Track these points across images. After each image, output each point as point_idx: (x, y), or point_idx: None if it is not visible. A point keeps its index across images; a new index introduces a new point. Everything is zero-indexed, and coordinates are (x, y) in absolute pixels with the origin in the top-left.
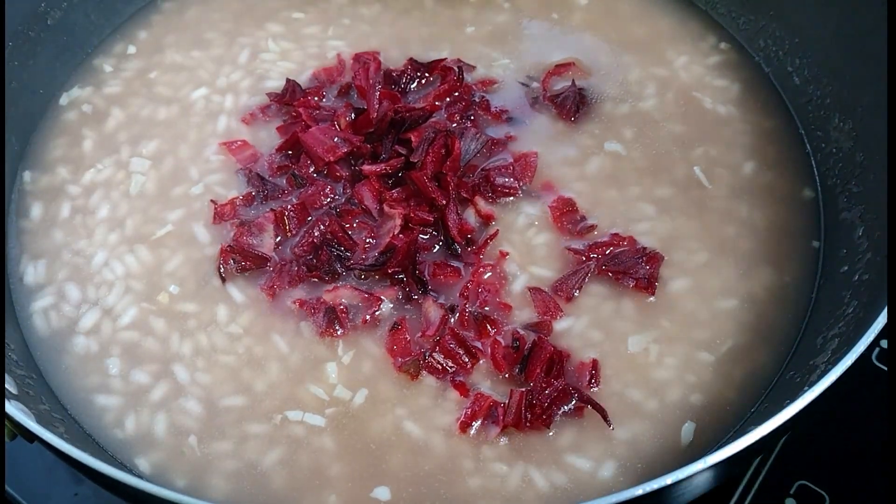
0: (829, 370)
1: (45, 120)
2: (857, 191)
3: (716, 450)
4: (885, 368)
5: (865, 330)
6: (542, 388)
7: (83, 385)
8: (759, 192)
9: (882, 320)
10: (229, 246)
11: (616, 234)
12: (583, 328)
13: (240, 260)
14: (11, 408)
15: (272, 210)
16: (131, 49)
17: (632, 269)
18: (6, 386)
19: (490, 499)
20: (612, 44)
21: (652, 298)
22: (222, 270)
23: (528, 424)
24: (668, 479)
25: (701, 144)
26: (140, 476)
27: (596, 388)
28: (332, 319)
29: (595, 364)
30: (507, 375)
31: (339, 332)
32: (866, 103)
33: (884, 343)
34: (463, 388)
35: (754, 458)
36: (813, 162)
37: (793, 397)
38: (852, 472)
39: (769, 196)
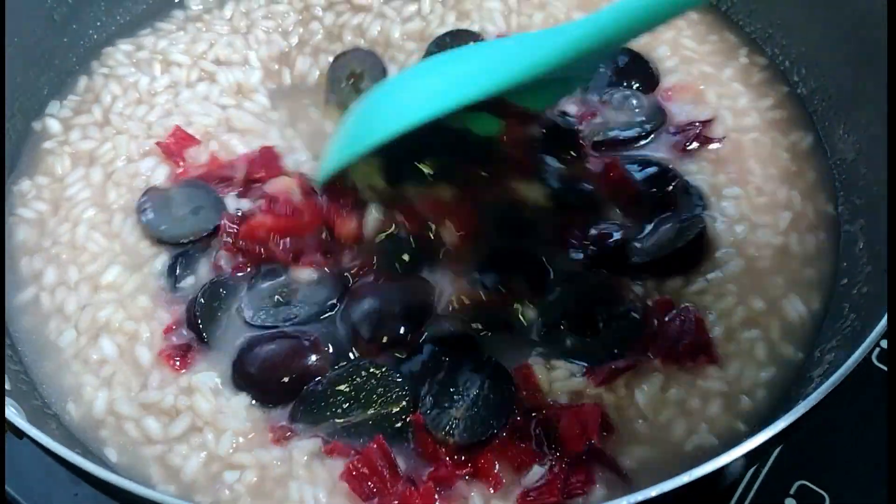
0: (823, 383)
1: (41, 118)
2: (860, 203)
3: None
4: (885, 368)
5: (861, 342)
6: None
7: (73, 379)
8: (773, 201)
9: (881, 328)
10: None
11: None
12: None
13: None
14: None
15: None
16: (127, 47)
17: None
18: None
19: None
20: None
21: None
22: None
23: None
24: (653, 492)
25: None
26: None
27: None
28: None
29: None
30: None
31: None
32: (870, 115)
33: (884, 343)
34: None
35: (745, 470)
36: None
37: (786, 409)
38: (852, 472)
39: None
